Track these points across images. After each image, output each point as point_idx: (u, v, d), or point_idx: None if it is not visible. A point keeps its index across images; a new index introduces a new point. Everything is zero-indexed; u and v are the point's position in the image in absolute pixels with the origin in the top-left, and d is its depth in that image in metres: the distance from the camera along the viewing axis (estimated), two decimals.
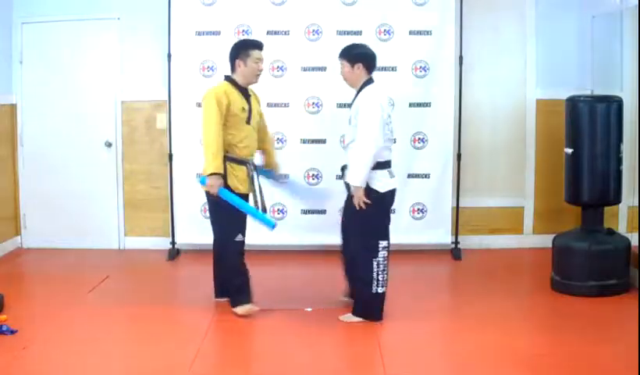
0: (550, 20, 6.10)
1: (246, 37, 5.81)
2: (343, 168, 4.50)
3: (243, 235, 4.55)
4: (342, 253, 4.67)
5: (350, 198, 4.39)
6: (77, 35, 6.12)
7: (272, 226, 4.56)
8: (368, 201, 4.22)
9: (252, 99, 4.63)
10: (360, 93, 4.36)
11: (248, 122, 4.55)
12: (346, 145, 4.46)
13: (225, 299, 4.73)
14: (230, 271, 4.59)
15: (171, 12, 5.85)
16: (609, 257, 4.88)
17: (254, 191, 4.60)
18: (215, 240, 4.67)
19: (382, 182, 4.29)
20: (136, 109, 6.19)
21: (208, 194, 4.49)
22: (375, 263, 4.27)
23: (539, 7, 6.09)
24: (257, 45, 4.59)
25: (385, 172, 4.32)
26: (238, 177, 4.49)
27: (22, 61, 6.17)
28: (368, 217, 4.27)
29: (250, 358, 3.95)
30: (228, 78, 4.59)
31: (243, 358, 3.98)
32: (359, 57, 4.39)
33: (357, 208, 4.23)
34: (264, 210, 4.65)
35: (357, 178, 4.22)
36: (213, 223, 4.64)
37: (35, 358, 3.90)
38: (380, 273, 4.27)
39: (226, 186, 4.42)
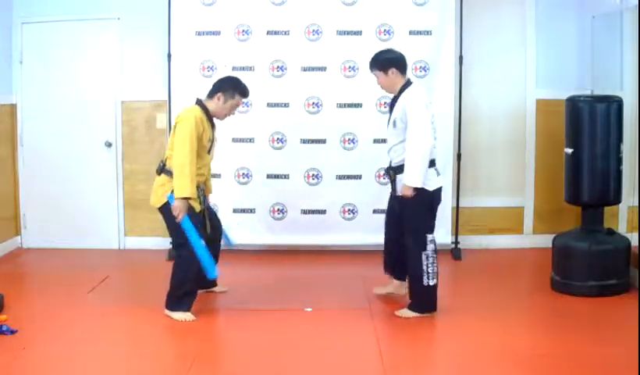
0: (550, 20, 6.10)
1: (246, 37, 5.84)
2: (388, 170, 4.53)
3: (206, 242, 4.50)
4: (385, 238, 4.71)
5: (396, 197, 4.44)
6: (77, 35, 6.12)
7: (214, 275, 4.54)
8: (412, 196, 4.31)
9: (214, 129, 4.66)
10: (403, 94, 4.40)
11: (209, 152, 4.61)
12: (391, 148, 4.48)
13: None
14: (185, 278, 4.47)
15: (171, 12, 5.84)
16: (609, 257, 4.87)
17: (203, 211, 4.58)
18: (176, 247, 4.58)
19: (431, 181, 4.35)
20: (136, 109, 6.19)
21: (161, 209, 4.50)
22: (424, 256, 4.34)
23: (539, 7, 6.09)
24: (244, 94, 4.64)
25: (432, 170, 4.38)
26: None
27: (22, 61, 6.17)
28: (417, 215, 4.36)
29: (250, 359, 3.94)
30: (201, 104, 4.57)
31: (243, 358, 3.98)
32: (389, 62, 4.45)
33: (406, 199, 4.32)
34: (207, 234, 4.57)
35: (415, 179, 4.25)
36: (174, 232, 4.53)
37: (35, 358, 3.89)
38: (429, 265, 4.34)
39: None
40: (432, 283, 4.37)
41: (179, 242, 4.48)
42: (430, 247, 4.37)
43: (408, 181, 4.28)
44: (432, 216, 4.42)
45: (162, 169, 4.51)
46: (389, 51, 4.60)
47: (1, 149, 6.10)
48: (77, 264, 5.83)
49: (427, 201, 4.36)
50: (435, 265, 4.37)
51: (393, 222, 4.60)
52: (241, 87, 4.62)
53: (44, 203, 6.23)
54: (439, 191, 4.44)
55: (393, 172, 4.44)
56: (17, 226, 6.30)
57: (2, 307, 4.53)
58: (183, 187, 4.31)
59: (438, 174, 4.44)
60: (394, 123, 4.39)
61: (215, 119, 4.63)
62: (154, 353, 4.01)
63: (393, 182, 4.46)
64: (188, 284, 4.49)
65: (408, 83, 4.44)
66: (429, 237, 4.37)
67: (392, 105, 4.49)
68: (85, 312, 4.65)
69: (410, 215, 4.38)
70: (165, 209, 4.46)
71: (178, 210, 4.33)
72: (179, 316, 4.48)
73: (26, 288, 5.38)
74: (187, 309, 4.51)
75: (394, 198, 4.54)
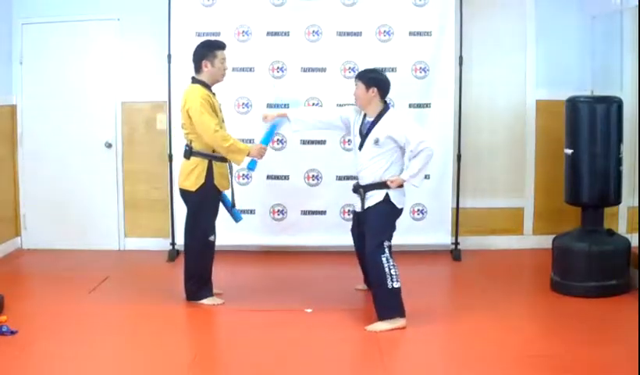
0: (550, 20, 6.10)
1: (246, 38, 5.85)
2: (358, 187, 4.54)
3: (214, 236, 4.75)
4: (356, 250, 4.82)
5: (361, 212, 4.50)
6: (77, 35, 6.12)
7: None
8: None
9: (215, 97, 4.77)
10: (384, 117, 4.44)
11: (223, 121, 4.74)
12: (364, 167, 4.47)
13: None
14: (202, 268, 4.74)
15: (171, 13, 5.84)
16: (609, 258, 4.87)
17: (230, 187, 4.81)
18: (192, 240, 4.73)
19: (402, 199, 4.48)
20: (136, 110, 6.19)
21: (186, 201, 4.73)
22: (384, 259, 4.33)
23: (539, 7, 6.09)
24: (222, 46, 4.72)
25: (404, 190, 4.48)
26: (222, 174, 4.68)
27: (22, 61, 6.17)
28: (383, 224, 4.43)
29: (250, 359, 3.94)
30: (198, 81, 4.66)
31: (243, 358, 3.98)
32: (375, 81, 4.48)
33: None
34: (234, 205, 4.85)
35: (414, 178, 4.39)
36: (192, 225, 4.72)
37: (35, 358, 3.90)
38: (391, 267, 4.33)
39: (212, 185, 4.60)
40: (396, 285, 4.31)
41: (192, 231, 4.69)
42: (387, 249, 4.37)
43: (406, 176, 4.38)
44: (393, 227, 4.51)
45: (191, 153, 4.62)
46: (380, 72, 4.68)
47: (1, 149, 6.10)
48: (77, 264, 5.83)
49: (393, 214, 4.46)
50: (396, 268, 4.34)
51: (357, 234, 4.69)
52: (214, 44, 4.74)
53: (44, 204, 6.23)
54: (402, 210, 4.54)
55: (364, 190, 4.47)
56: (17, 226, 6.30)
57: (2, 307, 4.53)
58: (237, 154, 4.56)
59: (404, 195, 4.52)
60: (376, 141, 4.41)
61: (217, 85, 4.76)
62: (154, 353, 4.01)
63: (363, 200, 4.47)
64: (206, 270, 4.74)
65: (388, 107, 4.51)
66: (386, 242, 4.39)
67: (369, 127, 4.46)
68: (85, 312, 4.65)
69: (376, 222, 4.43)
70: (194, 195, 4.62)
71: (259, 155, 4.63)
72: (209, 301, 4.74)
73: (26, 289, 5.37)
74: (211, 294, 4.76)
75: (358, 213, 4.60)
